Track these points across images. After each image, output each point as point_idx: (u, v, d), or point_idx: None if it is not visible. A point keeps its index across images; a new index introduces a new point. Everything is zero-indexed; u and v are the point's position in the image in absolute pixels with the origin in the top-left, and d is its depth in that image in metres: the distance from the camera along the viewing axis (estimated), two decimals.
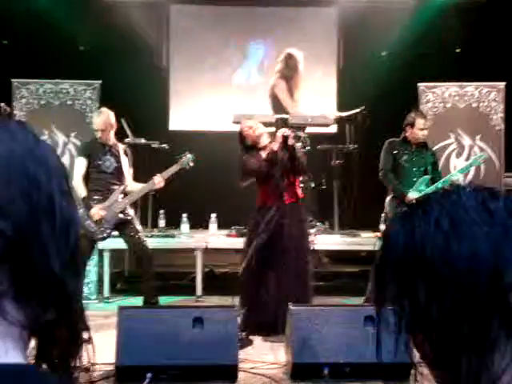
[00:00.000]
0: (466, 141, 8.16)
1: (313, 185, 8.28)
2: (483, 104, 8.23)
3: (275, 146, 6.50)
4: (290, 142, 6.52)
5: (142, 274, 7.08)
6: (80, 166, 6.92)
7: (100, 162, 6.93)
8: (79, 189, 6.78)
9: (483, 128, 8.19)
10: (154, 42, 10.48)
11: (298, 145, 6.65)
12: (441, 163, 7.75)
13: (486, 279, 0.93)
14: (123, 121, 8.71)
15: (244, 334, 6.10)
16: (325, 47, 10.61)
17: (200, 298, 7.86)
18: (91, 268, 7.70)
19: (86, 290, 7.69)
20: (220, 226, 8.58)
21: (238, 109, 8.94)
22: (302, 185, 6.96)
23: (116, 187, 6.95)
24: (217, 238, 8.27)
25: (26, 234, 0.77)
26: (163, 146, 8.89)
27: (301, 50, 8.49)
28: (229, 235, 8.32)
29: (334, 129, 9.28)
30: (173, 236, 8.37)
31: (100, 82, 8.25)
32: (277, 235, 6.43)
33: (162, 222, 8.79)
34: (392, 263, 1.01)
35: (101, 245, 7.88)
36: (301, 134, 7.13)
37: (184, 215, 8.54)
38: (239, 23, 10.70)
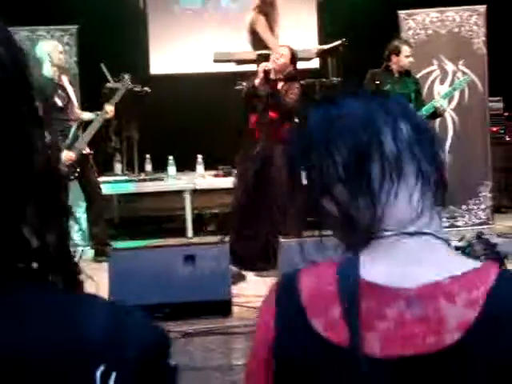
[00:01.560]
0: (449, 66, 8.10)
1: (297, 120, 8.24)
2: (464, 28, 8.14)
3: (256, 81, 6.45)
4: (271, 76, 6.47)
5: (92, 217, 7.00)
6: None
7: (54, 100, 6.74)
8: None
9: (466, 53, 8.12)
10: None
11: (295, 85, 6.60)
12: (424, 90, 7.71)
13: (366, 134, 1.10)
14: (103, 66, 8.60)
15: (236, 269, 6.14)
16: None
17: (191, 240, 7.88)
18: (80, 215, 7.69)
19: (76, 236, 7.69)
20: (207, 167, 8.56)
21: (218, 47, 8.83)
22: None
23: (70, 123, 6.84)
24: (204, 178, 8.25)
25: None
26: (145, 89, 8.80)
27: None
28: (216, 175, 8.32)
29: (316, 63, 9.20)
30: (160, 179, 8.35)
31: (77, 26, 8.10)
32: (265, 171, 6.41)
33: (148, 167, 8.76)
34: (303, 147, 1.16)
35: None
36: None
37: (170, 158, 8.50)
38: None
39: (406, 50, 7.17)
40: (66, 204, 0.82)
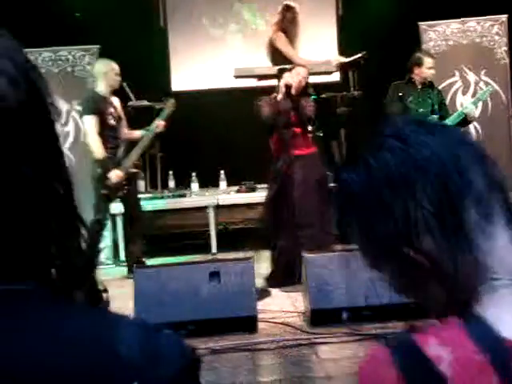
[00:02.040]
0: (471, 77, 8.06)
1: (321, 134, 8.21)
2: (486, 38, 8.10)
3: (278, 97, 6.45)
4: (294, 91, 6.47)
5: (131, 235, 7.09)
6: (92, 124, 6.75)
7: (106, 117, 6.85)
8: (98, 149, 6.69)
9: (488, 63, 8.08)
10: (150, 2, 10.36)
11: (312, 97, 6.61)
12: (447, 101, 7.67)
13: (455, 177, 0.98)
14: (125, 84, 8.65)
15: (261, 285, 6.13)
16: None
17: (215, 256, 7.88)
18: (105, 233, 7.72)
19: (102, 255, 7.71)
20: (229, 183, 8.56)
21: (239, 63, 8.85)
22: (310, 135, 6.88)
23: (120, 142, 6.95)
24: (227, 194, 8.25)
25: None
26: None
27: (300, 1, 8.39)
28: (239, 191, 8.31)
29: (337, 77, 9.19)
30: (184, 195, 8.36)
31: (98, 46, 8.17)
32: (286, 188, 6.40)
33: (171, 183, 8.78)
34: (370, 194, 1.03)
35: (113, 209, 7.90)
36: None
37: (193, 174, 8.52)
38: None
39: (428, 61, 7.14)
40: (85, 223, 0.82)
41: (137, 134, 7.15)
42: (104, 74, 6.95)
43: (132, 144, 7.14)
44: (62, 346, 0.73)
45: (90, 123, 6.74)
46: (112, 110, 6.92)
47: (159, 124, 7.06)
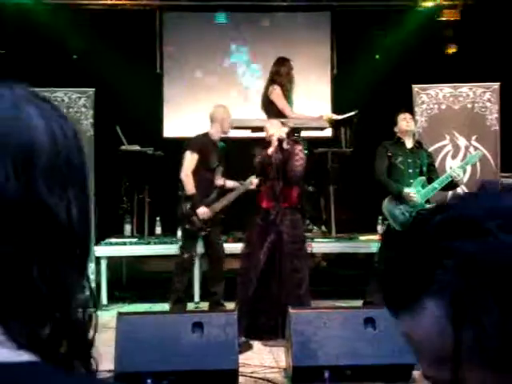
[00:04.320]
0: (462, 142, 8.15)
1: (311, 189, 8.27)
2: (478, 105, 8.22)
3: (269, 150, 6.51)
4: (285, 145, 6.52)
5: (214, 277, 7.24)
6: (192, 161, 7.00)
7: (209, 159, 7.06)
8: (189, 185, 6.96)
9: (478, 129, 8.18)
10: (147, 49, 10.46)
11: (299, 147, 6.68)
12: (436, 165, 7.73)
13: None
14: (118, 128, 8.70)
15: (244, 338, 6.09)
16: (318, 52, 10.60)
17: (198, 304, 7.83)
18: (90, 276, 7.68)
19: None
20: None
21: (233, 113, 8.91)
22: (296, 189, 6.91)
23: (214, 184, 7.14)
24: None
25: None
26: (158, 152, 8.88)
27: (294, 55, 8.52)
28: (226, 241, 8.29)
29: (329, 132, 9.26)
30: (170, 242, 8.33)
31: (94, 89, 8.22)
32: (274, 240, 6.42)
33: (158, 229, 8.76)
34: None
35: (97, 252, 7.87)
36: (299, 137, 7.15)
37: None
38: (231, 28, 10.67)
39: (400, 116, 7.33)
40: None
41: (229, 183, 7.34)
42: (221, 120, 7.20)
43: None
44: None
45: (188, 159, 7.04)
46: (215, 154, 7.14)
47: (253, 181, 7.12)
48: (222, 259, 7.22)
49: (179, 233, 8.44)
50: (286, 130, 6.64)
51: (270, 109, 8.04)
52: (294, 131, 7.40)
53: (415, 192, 7.09)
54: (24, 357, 0.75)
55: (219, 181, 7.25)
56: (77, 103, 7.97)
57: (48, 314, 0.77)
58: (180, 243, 7.35)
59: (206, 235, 7.16)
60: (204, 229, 7.05)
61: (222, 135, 7.23)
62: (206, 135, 7.19)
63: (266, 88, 8.16)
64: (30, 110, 0.79)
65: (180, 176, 7.10)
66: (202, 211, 6.95)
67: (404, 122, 7.33)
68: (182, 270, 7.13)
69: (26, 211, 0.75)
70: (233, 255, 8.20)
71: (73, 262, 0.79)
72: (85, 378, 0.80)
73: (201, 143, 7.09)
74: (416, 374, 5.27)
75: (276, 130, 6.57)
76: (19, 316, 0.75)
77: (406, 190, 7.09)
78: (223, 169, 7.31)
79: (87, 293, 0.82)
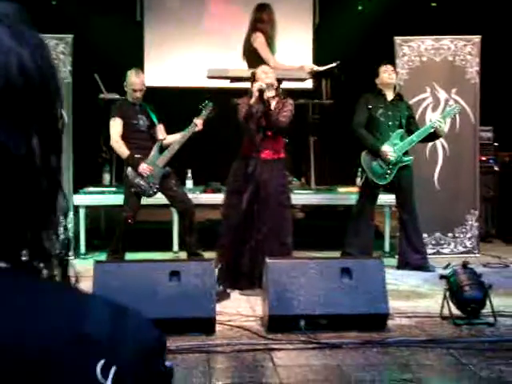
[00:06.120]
0: (442, 94, 8.14)
1: (287, 140, 8.24)
2: (459, 57, 8.19)
3: (251, 100, 6.46)
4: (266, 96, 6.48)
5: (185, 228, 7.28)
6: (117, 126, 7.06)
7: (135, 122, 7.11)
8: (122, 148, 7.03)
9: (459, 81, 8.17)
10: None
11: (289, 101, 6.64)
12: (417, 117, 7.73)
13: None
14: (96, 76, 8.60)
15: (221, 287, 6.13)
16: (300, 1, 10.48)
17: (176, 254, 7.86)
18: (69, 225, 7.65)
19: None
20: (196, 183, 8.54)
21: (213, 63, 8.83)
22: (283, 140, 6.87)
23: (150, 144, 7.14)
24: (193, 193, 8.23)
25: None
26: None
27: (277, 3, 8.42)
28: (205, 191, 8.30)
29: (309, 84, 9.22)
30: None
31: (72, 36, 8.08)
32: (254, 191, 6.42)
33: None
34: None
35: (76, 201, 7.84)
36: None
37: None
38: None
39: (381, 67, 7.31)
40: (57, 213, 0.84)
41: (171, 137, 7.28)
42: (127, 82, 7.21)
43: None
44: (31, 320, 0.74)
45: (113, 125, 7.12)
46: (141, 115, 7.16)
47: (198, 123, 7.12)
48: (188, 210, 7.18)
49: None
50: (269, 80, 6.56)
51: (251, 57, 7.95)
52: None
53: (393, 151, 7.12)
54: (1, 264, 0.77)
55: (160, 138, 7.25)
56: (55, 50, 7.82)
57: (19, 243, 0.79)
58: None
59: (163, 191, 7.14)
60: (151, 187, 7.01)
61: (137, 92, 7.17)
62: (126, 101, 7.28)
63: (248, 36, 8.06)
64: None
65: (110, 144, 7.23)
66: (142, 168, 6.94)
67: (386, 74, 7.32)
68: (121, 228, 7.12)
69: None
70: (212, 206, 8.22)
71: (40, 195, 0.79)
72: (56, 285, 0.82)
73: (120, 108, 7.16)
74: (390, 323, 5.36)
75: (258, 82, 6.51)
76: None
77: (384, 148, 7.12)
78: (160, 126, 7.27)
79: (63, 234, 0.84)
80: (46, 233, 0.81)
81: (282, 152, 6.69)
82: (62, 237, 0.84)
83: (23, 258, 0.80)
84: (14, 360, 0.72)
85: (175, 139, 7.21)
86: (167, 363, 0.81)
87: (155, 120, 7.24)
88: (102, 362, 0.74)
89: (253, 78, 6.67)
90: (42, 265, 0.81)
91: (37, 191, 0.79)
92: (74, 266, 0.87)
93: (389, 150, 7.12)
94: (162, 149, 7.20)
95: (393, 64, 7.64)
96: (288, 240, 6.56)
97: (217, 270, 6.30)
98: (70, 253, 0.87)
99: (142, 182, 6.98)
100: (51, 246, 0.81)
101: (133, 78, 7.18)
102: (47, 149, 0.80)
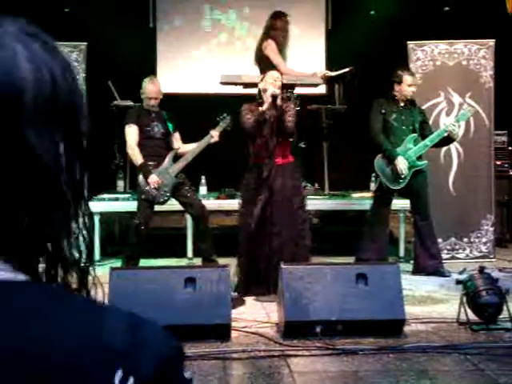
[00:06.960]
0: (456, 99, 8.11)
1: (303, 145, 8.23)
2: (473, 62, 8.16)
3: (264, 106, 6.46)
4: (279, 101, 6.48)
5: (199, 234, 7.28)
6: (133, 133, 7.08)
7: (149, 129, 7.11)
8: (136, 156, 7.03)
9: (473, 86, 8.14)
10: (140, 2, 10.33)
11: (291, 105, 6.62)
12: (431, 122, 7.70)
13: None
14: (110, 83, 8.63)
15: (236, 293, 6.12)
16: (313, 7, 10.49)
17: (191, 260, 7.86)
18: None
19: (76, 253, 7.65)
20: (210, 189, 8.54)
21: (226, 69, 8.84)
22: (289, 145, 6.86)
23: (165, 152, 7.13)
24: (207, 200, 8.23)
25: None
26: None
27: (289, 8, 8.42)
28: (218, 197, 8.30)
29: (323, 89, 9.22)
30: None
31: (86, 43, 8.12)
32: (268, 196, 6.42)
33: None
34: None
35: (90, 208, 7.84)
36: (292, 93, 7.08)
37: None
38: None
39: (408, 79, 7.23)
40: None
41: (188, 146, 7.29)
42: (143, 89, 7.22)
43: None
44: (48, 331, 0.74)
45: (129, 131, 7.12)
46: (157, 122, 7.16)
47: (213, 134, 7.14)
48: (202, 217, 7.17)
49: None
50: (279, 84, 6.56)
51: (263, 64, 7.96)
52: (287, 87, 7.35)
53: (406, 168, 7.08)
54: (20, 277, 0.78)
55: (175, 146, 7.26)
56: (69, 57, 7.85)
57: (39, 253, 0.80)
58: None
59: (176, 197, 7.14)
60: (162, 195, 7.01)
61: (153, 100, 7.18)
62: (141, 108, 7.30)
63: (260, 42, 8.07)
64: (16, 48, 0.77)
65: (126, 150, 7.22)
66: (152, 180, 6.94)
67: (412, 88, 7.24)
68: (134, 235, 7.12)
69: (12, 157, 0.75)
70: (225, 212, 8.22)
71: (64, 205, 0.80)
72: (72, 297, 0.83)
73: (136, 115, 7.17)
74: (406, 329, 5.33)
75: (270, 87, 6.51)
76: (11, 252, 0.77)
77: (399, 159, 7.08)
78: (176, 134, 7.29)
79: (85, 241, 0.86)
80: (67, 241, 0.82)
81: (289, 156, 6.69)
82: (83, 245, 0.85)
83: (40, 270, 0.81)
84: (40, 369, 0.72)
85: (190, 149, 7.20)
86: (187, 374, 0.81)
87: (171, 128, 7.23)
88: (120, 373, 0.74)
89: (260, 82, 6.68)
90: (61, 274, 0.82)
91: (60, 199, 0.79)
92: (95, 274, 0.87)
93: (403, 166, 7.09)
94: (176, 158, 7.20)
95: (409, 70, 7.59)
96: (306, 242, 6.56)
97: (236, 279, 6.34)
98: (90, 261, 0.87)
99: (153, 190, 6.98)
100: (71, 254, 0.82)
101: (148, 86, 7.19)
102: (73, 160, 0.81)
